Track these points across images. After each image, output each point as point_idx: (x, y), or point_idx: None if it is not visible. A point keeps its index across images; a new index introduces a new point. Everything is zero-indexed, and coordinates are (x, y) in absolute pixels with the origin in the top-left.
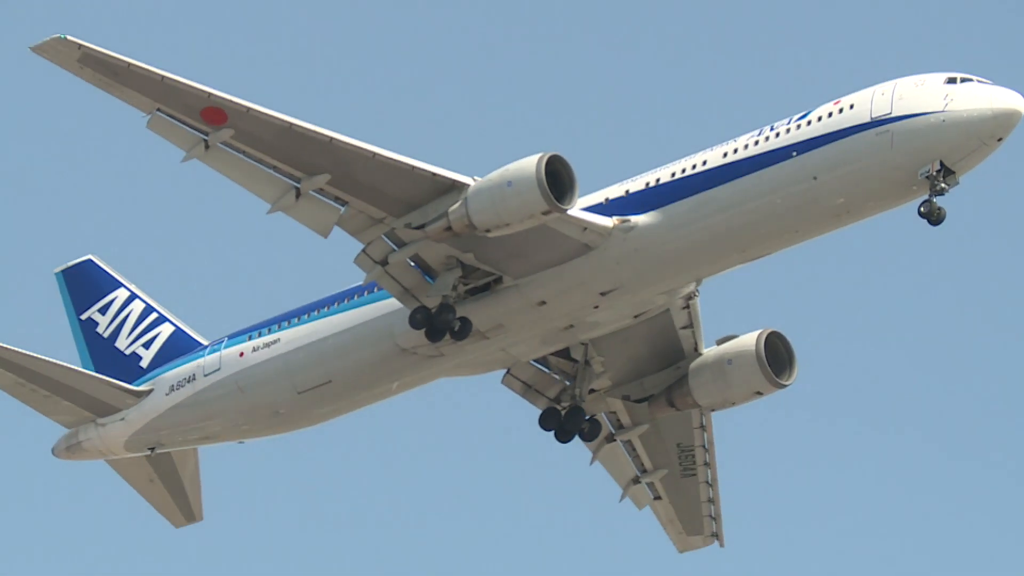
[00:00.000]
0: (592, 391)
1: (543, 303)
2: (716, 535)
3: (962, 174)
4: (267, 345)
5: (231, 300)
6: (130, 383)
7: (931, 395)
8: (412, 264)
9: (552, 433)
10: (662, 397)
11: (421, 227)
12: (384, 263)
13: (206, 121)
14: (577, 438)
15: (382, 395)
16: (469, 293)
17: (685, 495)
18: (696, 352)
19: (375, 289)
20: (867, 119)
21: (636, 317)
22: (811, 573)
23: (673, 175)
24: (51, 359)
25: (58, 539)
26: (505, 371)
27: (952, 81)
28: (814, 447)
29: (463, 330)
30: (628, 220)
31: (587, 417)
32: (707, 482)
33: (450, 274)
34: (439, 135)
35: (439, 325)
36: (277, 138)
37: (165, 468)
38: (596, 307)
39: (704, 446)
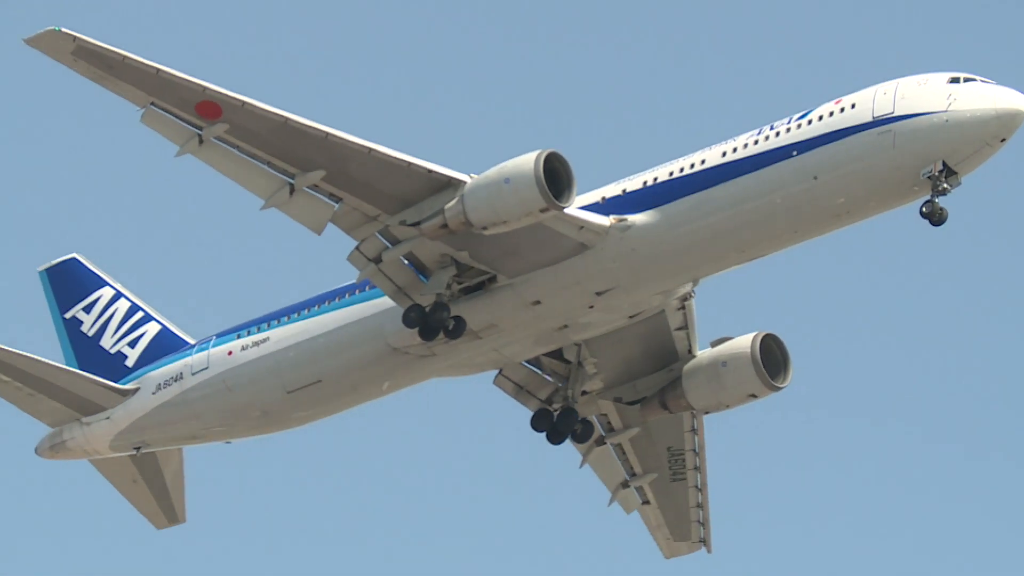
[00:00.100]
0: (584, 393)
1: (538, 302)
2: (704, 541)
3: (964, 175)
4: (256, 344)
5: (218, 299)
6: (115, 382)
7: (929, 400)
8: (406, 262)
9: (544, 434)
10: (655, 399)
11: (416, 224)
12: (378, 261)
13: (200, 115)
14: (568, 440)
15: (373, 395)
16: (463, 292)
17: (674, 500)
18: (690, 354)
19: (367, 288)
20: (869, 119)
21: (631, 318)
22: None
23: (671, 174)
24: (36, 356)
25: (40, 539)
26: (497, 372)
27: (955, 81)
28: (806, 451)
29: (457, 329)
30: (625, 219)
31: (580, 418)
32: (696, 487)
33: (444, 272)
34: (435, 132)
35: (433, 324)
36: (272, 133)
37: (149, 468)
38: (591, 307)
39: (695, 450)
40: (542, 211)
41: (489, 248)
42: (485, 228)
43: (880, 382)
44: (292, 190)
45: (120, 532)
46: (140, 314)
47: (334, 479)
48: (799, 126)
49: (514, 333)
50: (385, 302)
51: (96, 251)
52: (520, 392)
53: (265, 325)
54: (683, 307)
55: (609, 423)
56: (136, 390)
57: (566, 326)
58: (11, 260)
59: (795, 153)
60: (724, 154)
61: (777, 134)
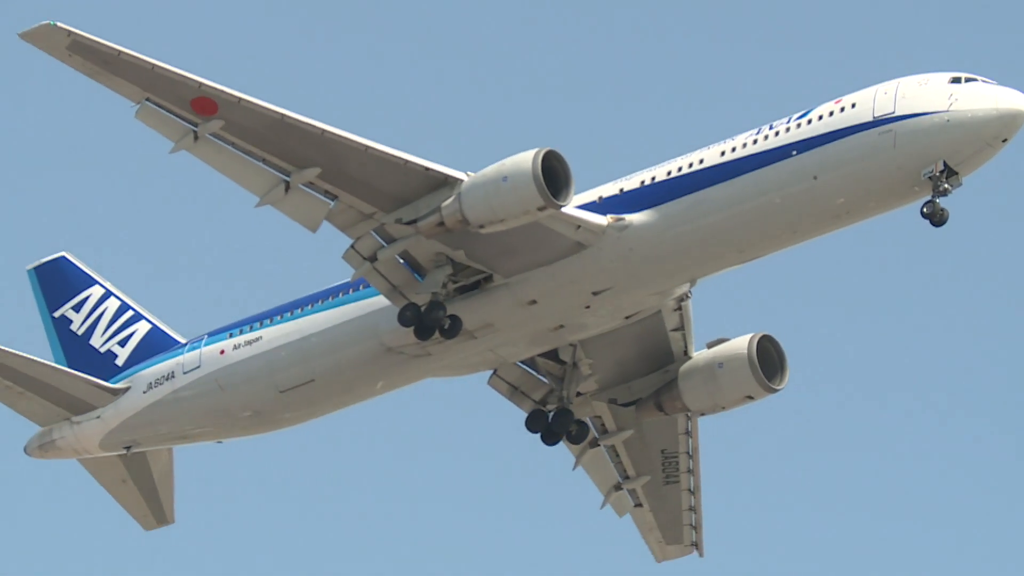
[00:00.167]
0: (579, 394)
1: (534, 302)
2: (696, 544)
3: (965, 175)
4: (249, 343)
5: (210, 298)
6: (106, 381)
7: (927, 404)
8: (401, 261)
9: (539, 435)
10: (650, 400)
11: (412, 223)
12: (373, 259)
13: (196, 112)
14: (563, 441)
15: (366, 395)
16: (458, 291)
17: (666, 503)
18: (686, 355)
19: (361, 287)
20: (869, 118)
21: (627, 318)
22: None
23: (669, 173)
24: (26, 354)
25: (27, 540)
26: (491, 372)
27: (956, 81)
28: (801, 454)
29: (453, 328)
30: (622, 219)
31: (575, 419)
32: (689, 490)
33: (440, 271)
34: (431, 130)
35: (429, 323)
36: (268, 130)
37: (138, 469)
38: (587, 307)
39: (688, 452)
40: (540, 210)
41: (485, 247)
42: (482, 227)
43: (878, 385)
44: (287, 187)
45: (108, 533)
46: (130, 313)
47: (325, 480)
48: (799, 126)
49: (510, 333)
50: (379, 301)
51: (86, 249)
52: (514, 393)
53: (258, 324)
54: (680, 308)
55: (603, 425)
56: (127, 389)
57: (562, 326)
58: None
59: (794, 153)
60: (723, 153)
61: (776, 134)
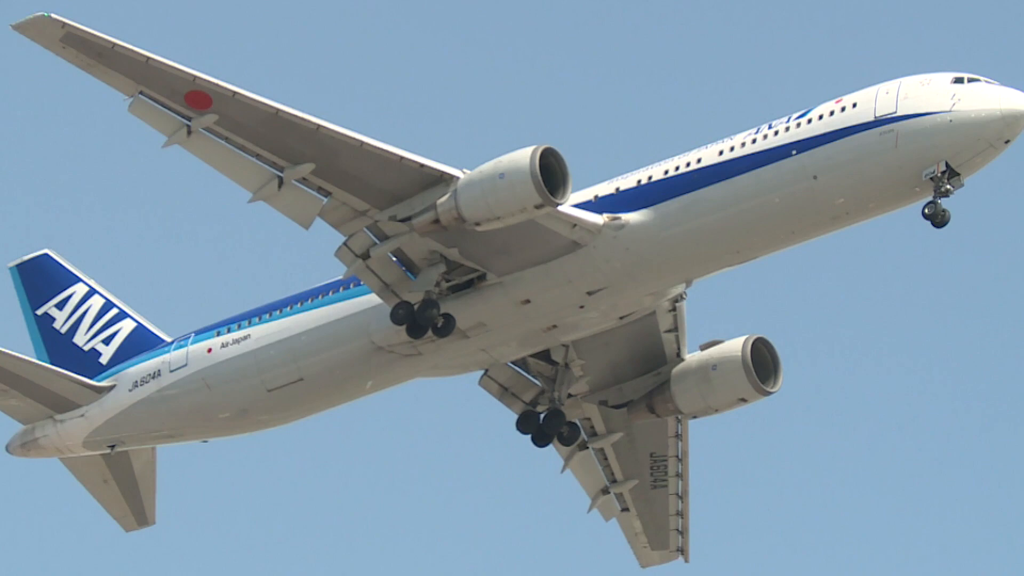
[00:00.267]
0: (570, 396)
1: (527, 301)
2: (682, 550)
3: (967, 176)
4: (237, 341)
5: (197, 296)
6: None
7: (924, 409)
8: (394, 259)
9: (529, 437)
10: (642, 402)
11: (407, 220)
12: (365, 257)
13: (190, 105)
14: (553, 443)
15: (355, 395)
16: (451, 290)
17: (653, 507)
18: (678, 357)
19: (351, 285)
20: (870, 118)
21: (621, 319)
22: None
23: (666, 173)
24: (9, 351)
25: (6, 540)
26: (482, 373)
27: (959, 81)
28: (792, 459)
29: (446, 327)
30: (619, 218)
31: (567, 421)
32: (677, 494)
33: (433, 269)
34: (426, 128)
35: (422, 321)
36: (262, 125)
37: (120, 469)
38: (581, 307)
39: (678, 456)
40: (537, 207)
41: (479, 245)
42: (478, 224)
43: (873, 389)
44: (280, 183)
45: (88, 533)
46: (114, 311)
47: (313, 480)
48: (798, 125)
49: (502, 332)
50: (369, 300)
51: (69, 247)
52: (505, 394)
53: (246, 322)
54: (674, 309)
55: (592, 427)
56: (112, 387)
57: (555, 326)
58: None
59: (794, 152)
60: (721, 153)
61: (776, 133)
